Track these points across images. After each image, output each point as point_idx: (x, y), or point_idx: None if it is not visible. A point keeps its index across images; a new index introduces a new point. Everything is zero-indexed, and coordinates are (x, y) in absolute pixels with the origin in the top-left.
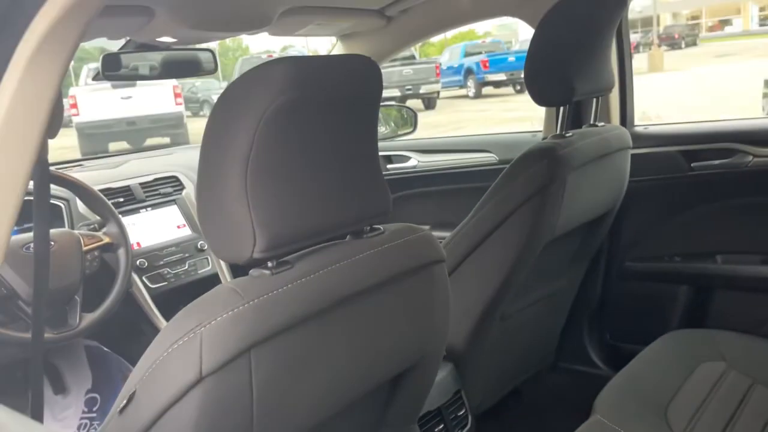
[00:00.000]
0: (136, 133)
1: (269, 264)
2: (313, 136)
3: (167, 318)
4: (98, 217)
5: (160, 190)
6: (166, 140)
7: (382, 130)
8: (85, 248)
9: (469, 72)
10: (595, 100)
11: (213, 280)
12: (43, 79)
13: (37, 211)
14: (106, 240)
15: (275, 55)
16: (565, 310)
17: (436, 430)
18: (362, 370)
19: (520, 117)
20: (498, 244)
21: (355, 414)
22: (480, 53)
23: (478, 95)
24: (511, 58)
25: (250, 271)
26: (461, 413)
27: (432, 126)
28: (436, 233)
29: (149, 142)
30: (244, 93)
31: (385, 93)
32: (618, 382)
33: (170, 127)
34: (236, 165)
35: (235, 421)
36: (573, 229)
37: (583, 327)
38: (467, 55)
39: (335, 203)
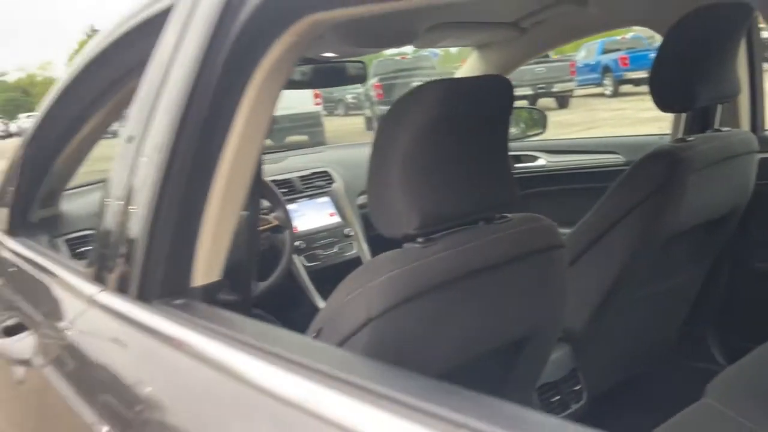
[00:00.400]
0: (277, 132)
1: (419, 240)
2: (456, 140)
3: (320, 292)
4: (268, 204)
5: (314, 183)
6: (305, 138)
7: (512, 130)
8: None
9: (606, 69)
10: (720, 106)
11: (357, 262)
12: (269, 97)
13: (251, 197)
14: (275, 223)
15: (408, 57)
16: (687, 306)
17: (552, 400)
18: (485, 332)
19: (658, 117)
20: (617, 240)
21: (483, 368)
22: (618, 50)
23: (615, 94)
24: (653, 55)
25: (404, 245)
26: (577, 388)
27: (564, 125)
28: (561, 230)
29: (289, 140)
30: (404, 108)
31: (517, 92)
32: (732, 371)
33: (308, 126)
34: (397, 162)
35: (387, 359)
36: (694, 227)
37: (705, 323)
38: (605, 51)
39: (471, 194)
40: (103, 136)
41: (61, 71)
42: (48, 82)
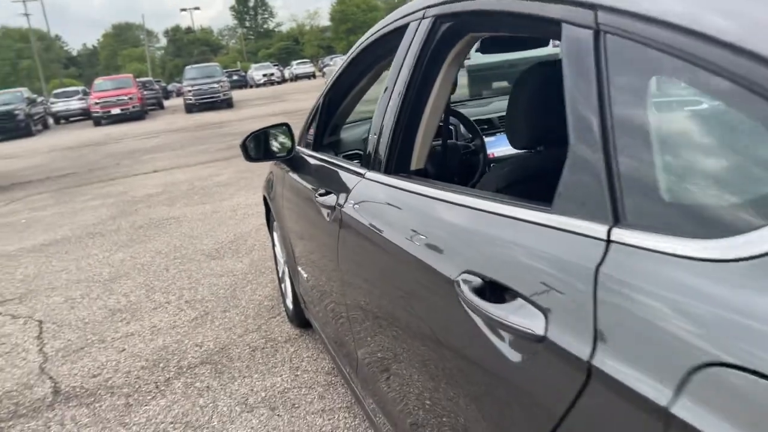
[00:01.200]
0: (515, 74)
1: (531, 150)
2: (553, 97)
3: None
4: (470, 135)
5: None
6: None
7: None
8: (462, 152)
9: None
10: None
11: None
12: (450, 75)
13: (444, 128)
14: (473, 149)
15: None
16: None
17: None
18: None
19: None
20: None
21: None
22: None
23: None
24: None
25: (521, 152)
26: None
27: None
28: None
29: (496, 85)
30: (524, 78)
31: None
32: None
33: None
34: (521, 107)
35: None
36: None
37: None
38: None
39: (561, 127)
40: (365, 93)
41: (326, 19)
42: (314, 31)
